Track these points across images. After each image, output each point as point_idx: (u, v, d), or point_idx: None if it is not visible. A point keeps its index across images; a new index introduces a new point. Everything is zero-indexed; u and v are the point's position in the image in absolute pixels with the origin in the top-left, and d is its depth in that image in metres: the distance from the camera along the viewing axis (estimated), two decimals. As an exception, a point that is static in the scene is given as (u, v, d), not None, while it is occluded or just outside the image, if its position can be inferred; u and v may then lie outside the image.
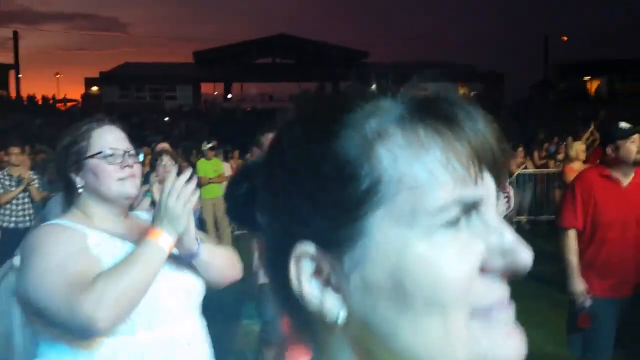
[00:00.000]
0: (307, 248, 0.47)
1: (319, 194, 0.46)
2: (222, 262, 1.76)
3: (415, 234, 0.44)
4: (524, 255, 0.45)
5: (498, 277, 0.46)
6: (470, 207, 0.45)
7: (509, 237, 0.46)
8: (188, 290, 1.68)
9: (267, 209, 0.51)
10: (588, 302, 3.32)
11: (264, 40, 43.27)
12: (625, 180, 3.37)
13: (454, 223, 0.45)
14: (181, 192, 1.53)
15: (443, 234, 0.44)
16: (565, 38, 50.51)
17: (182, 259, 1.67)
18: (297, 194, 0.47)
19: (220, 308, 1.82)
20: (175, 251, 1.62)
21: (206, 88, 43.70)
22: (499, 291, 0.46)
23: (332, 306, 0.47)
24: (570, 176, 6.61)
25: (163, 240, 1.52)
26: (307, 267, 0.48)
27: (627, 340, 3.33)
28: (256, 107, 34.94)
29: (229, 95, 42.71)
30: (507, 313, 0.47)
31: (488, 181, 0.47)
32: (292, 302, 0.49)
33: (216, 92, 44.25)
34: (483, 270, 0.45)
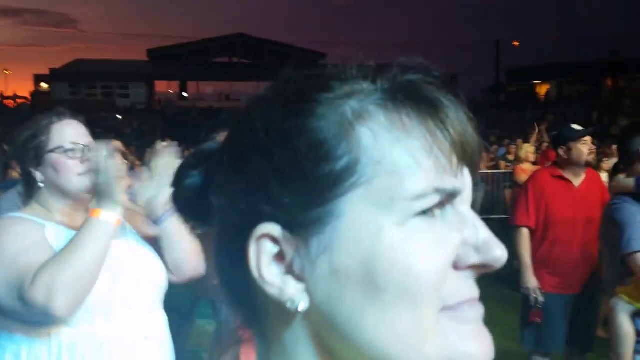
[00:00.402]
0: (270, 229, 0.44)
1: (291, 171, 0.43)
2: (188, 244, 1.75)
3: (391, 220, 0.42)
4: (498, 252, 0.44)
5: (470, 273, 0.45)
6: (447, 198, 0.44)
7: (484, 232, 0.44)
8: (150, 283, 1.67)
9: (227, 191, 0.47)
10: (540, 298, 3.42)
11: (222, 39, 42.92)
12: (577, 180, 3.47)
13: (430, 212, 0.43)
14: (108, 166, 1.53)
15: (419, 223, 0.43)
16: (517, 43, 51.93)
17: (146, 252, 1.68)
18: (267, 170, 0.44)
19: (174, 307, 1.79)
20: (139, 243, 1.64)
21: (161, 86, 43.02)
22: (471, 288, 0.45)
23: (293, 295, 0.44)
24: (521, 177, 6.86)
25: (105, 215, 1.51)
26: (269, 250, 0.45)
27: (578, 334, 3.44)
28: (213, 107, 34.58)
29: (185, 94, 42.13)
30: (477, 311, 0.45)
31: (466, 174, 0.46)
32: (244, 290, 0.46)
33: (171, 91, 43.59)
34: (456, 264, 0.44)
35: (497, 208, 10.71)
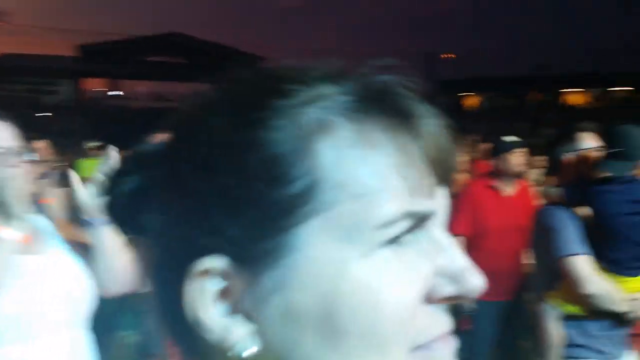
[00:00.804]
0: (214, 262, 0.38)
1: (239, 195, 0.37)
2: (120, 258, 1.65)
3: (355, 252, 0.37)
4: (476, 282, 0.40)
5: (444, 305, 0.40)
6: (420, 222, 0.39)
7: (460, 260, 0.40)
8: (72, 300, 1.57)
9: (165, 210, 0.41)
10: (470, 306, 3.49)
11: (158, 37, 41.85)
12: (509, 190, 3.59)
13: (400, 240, 0.38)
14: (2, 182, 1.45)
15: (387, 253, 0.37)
16: (445, 56, 53.58)
17: (71, 267, 1.58)
18: (210, 193, 0.38)
19: (95, 317, 1.69)
20: (65, 257, 1.57)
21: (91, 84, 41.48)
22: (443, 322, 0.40)
23: (241, 338, 0.38)
24: (454, 186, 7.06)
25: (2, 232, 1.43)
26: (212, 286, 0.38)
27: (507, 342, 3.56)
28: (146, 106, 33.70)
29: (116, 93, 40.84)
30: (450, 348, 0.41)
31: (440, 193, 0.41)
32: (184, 328, 0.40)
33: (101, 89, 42.14)
34: (429, 297, 0.39)
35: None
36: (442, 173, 0.40)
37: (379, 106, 0.39)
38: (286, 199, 0.37)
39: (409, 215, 0.38)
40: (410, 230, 0.38)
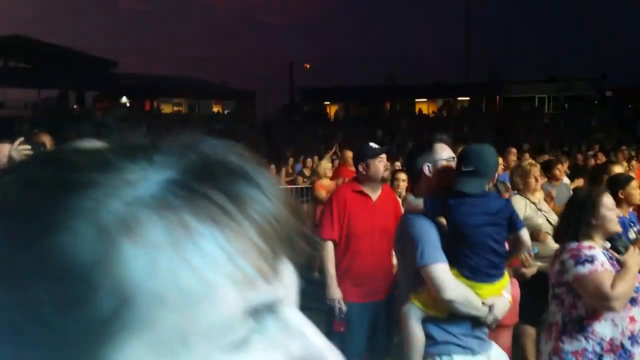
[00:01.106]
0: None
1: (27, 321, 0.30)
2: None
3: None
4: None
5: None
6: (264, 313, 0.34)
7: (314, 341, 0.36)
8: None
9: None
10: (344, 308, 3.57)
11: (-6, 39, 38.12)
12: (374, 195, 3.70)
13: (244, 340, 0.32)
14: None
15: (229, 359, 0.32)
16: (308, 65, 54.98)
17: None
18: None
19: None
20: None
21: None
22: None
23: None
24: (320, 192, 7.22)
25: None
26: None
27: (378, 340, 3.66)
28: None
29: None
30: None
31: (286, 272, 0.35)
32: None
33: None
34: None
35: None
36: (285, 245, 0.35)
37: (201, 188, 0.33)
38: (89, 321, 0.30)
39: (248, 311, 0.32)
40: (254, 324, 0.33)
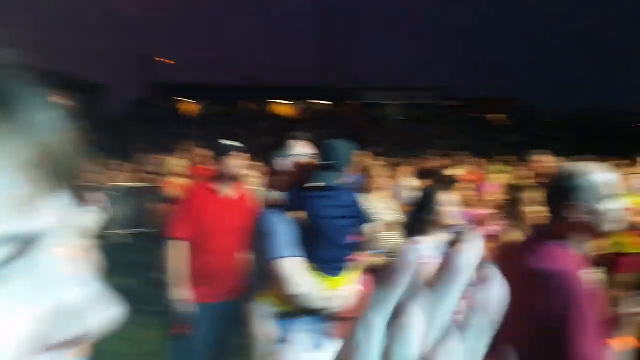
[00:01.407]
0: None
1: None
2: None
3: None
4: (104, 317, 0.32)
5: (67, 350, 0.31)
6: (24, 247, 0.30)
7: (76, 292, 0.32)
8: None
9: None
10: (190, 309, 3.43)
11: None
12: (228, 193, 3.64)
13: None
14: None
15: None
16: (160, 60, 52.93)
17: None
18: None
19: None
20: None
21: None
22: None
23: None
24: (170, 190, 6.93)
25: None
26: None
27: (226, 339, 3.57)
28: None
29: None
30: None
31: (53, 207, 0.31)
32: None
33: None
34: (43, 343, 0.30)
35: (143, 221, 10.60)
36: (57, 179, 0.31)
37: None
38: None
39: (9, 239, 0.29)
40: (11, 258, 0.29)
